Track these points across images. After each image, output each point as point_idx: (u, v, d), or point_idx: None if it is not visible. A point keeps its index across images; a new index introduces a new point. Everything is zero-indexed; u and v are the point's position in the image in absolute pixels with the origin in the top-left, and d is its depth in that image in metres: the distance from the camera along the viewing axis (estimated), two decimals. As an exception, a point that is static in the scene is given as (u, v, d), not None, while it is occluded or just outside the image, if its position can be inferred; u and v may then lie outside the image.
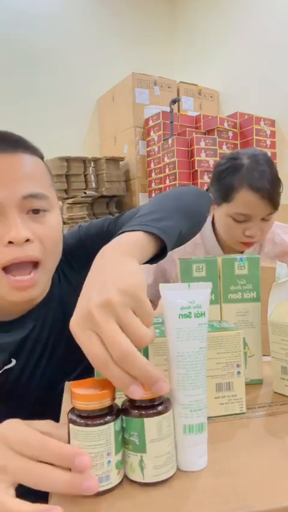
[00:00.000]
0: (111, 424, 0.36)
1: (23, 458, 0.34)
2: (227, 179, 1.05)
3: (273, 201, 1.02)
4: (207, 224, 1.18)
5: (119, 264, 0.43)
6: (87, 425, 0.35)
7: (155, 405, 0.37)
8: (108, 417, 0.36)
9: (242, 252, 1.13)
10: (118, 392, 0.38)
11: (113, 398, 0.38)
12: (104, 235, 0.72)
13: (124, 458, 0.38)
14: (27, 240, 0.54)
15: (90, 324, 0.36)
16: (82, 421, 0.36)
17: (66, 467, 0.34)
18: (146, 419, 0.36)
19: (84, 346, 0.36)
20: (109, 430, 0.36)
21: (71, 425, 0.36)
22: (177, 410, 0.39)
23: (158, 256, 0.53)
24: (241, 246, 1.10)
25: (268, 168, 1.04)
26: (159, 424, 0.37)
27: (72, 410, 0.37)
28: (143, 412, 0.37)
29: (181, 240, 0.60)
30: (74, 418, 0.36)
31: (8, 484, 0.34)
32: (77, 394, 0.36)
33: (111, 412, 0.37)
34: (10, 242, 0.53)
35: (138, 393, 0.35)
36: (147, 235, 0.49)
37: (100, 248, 0.71)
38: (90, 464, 0.34)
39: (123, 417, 0.37)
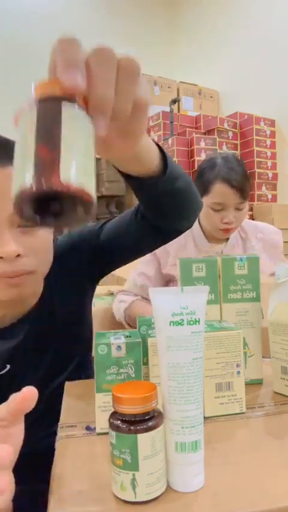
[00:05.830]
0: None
1: None
2: (205, 176, 1.25)
3: (242, 191, 1.22)
4: None
5: None
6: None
7: (146, 419, 0.34)
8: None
9: (226, 239, 1.33)
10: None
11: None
12: (95, 235, 0.73)
13: (111, 476, 0.35)
14: (18, 255, 0.54)
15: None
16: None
17: None
18: (139, 436, 0.34)
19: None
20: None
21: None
22: (169, 426, 0.36)
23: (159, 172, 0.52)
24: (221, 233, 1.27)
25: (238, 166, 1.24)
26: (152, 440, 0.34)
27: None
28: (136, 427, 0.34)
29: (178, 184, 0.57)
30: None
31: None
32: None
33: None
34: (1, 257, 0.53)
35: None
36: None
37: (92, 250, 0.73)
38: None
39: (112, 432, 0.35)
